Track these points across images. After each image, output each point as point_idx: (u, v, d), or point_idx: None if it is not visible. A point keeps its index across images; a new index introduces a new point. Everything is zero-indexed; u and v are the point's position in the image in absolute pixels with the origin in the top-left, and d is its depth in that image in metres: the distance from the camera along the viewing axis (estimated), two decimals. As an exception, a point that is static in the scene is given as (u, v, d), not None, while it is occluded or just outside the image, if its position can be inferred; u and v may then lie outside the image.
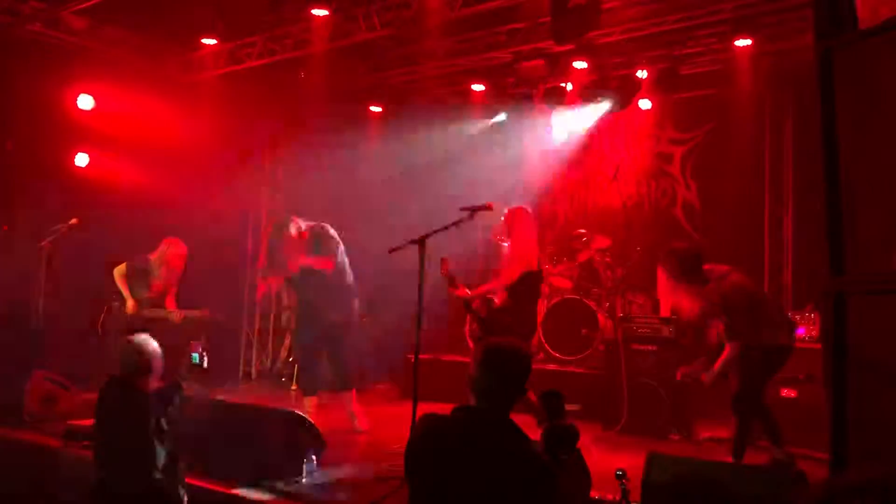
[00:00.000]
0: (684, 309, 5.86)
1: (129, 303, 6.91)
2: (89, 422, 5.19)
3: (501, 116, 9.94)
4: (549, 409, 3.00)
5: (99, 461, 4.04)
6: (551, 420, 3.00)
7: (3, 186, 7.48)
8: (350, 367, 6.70)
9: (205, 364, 4.35)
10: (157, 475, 3.87)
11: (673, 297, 5.84)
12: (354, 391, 6.66)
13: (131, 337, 4.15)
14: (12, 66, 7.43)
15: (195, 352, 4.28)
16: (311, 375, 6.69)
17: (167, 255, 7.01)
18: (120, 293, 6.94)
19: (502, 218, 6.17)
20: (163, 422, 3.95)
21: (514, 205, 6.23)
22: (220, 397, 6.28)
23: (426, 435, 2.90)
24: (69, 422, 5.72)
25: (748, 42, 7.40)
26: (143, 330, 6.66)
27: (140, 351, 4.07)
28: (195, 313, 7.01)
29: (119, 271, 6.98)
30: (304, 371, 6.86)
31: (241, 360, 9.98)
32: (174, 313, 6.99)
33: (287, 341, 9.61)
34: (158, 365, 4.12)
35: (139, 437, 3.87)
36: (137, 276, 7.00)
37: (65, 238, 7.03)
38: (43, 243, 6.88)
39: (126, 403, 3.97)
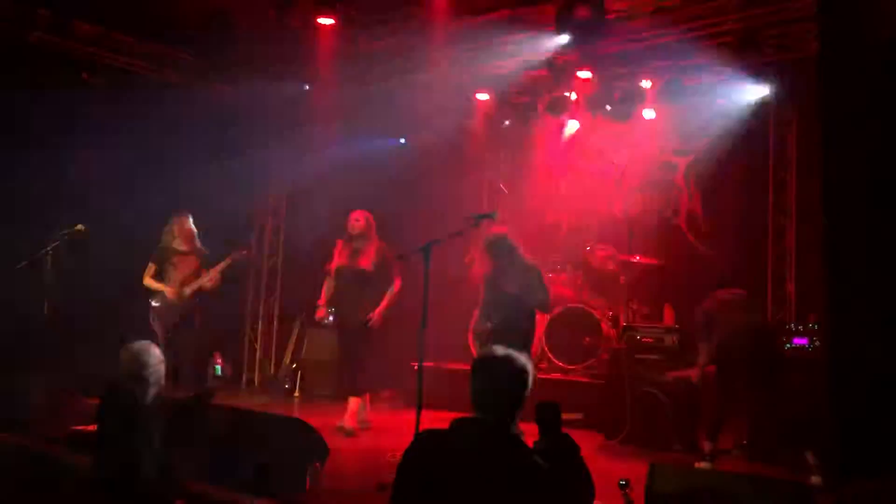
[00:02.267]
0: None
1: (168, 289, 7.01)
2: (93, 427, 5.21)
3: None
4: (544, 420, 2.97)
5: (97, 467, 4.05)
6: (546, 432, 2.97)
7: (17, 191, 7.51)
8: (364, 373, 6.88)
9: (228, 374, 4.38)
10: (151, 482, 3.87)
11: None
12: (359, 399, 6.81)
13: (131, 344, 4.15)
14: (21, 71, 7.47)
15: (217, 363, 4.30)
16: (347, 378, 6.97)
17: (178, 227, 7.16)
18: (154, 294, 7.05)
19: (493, 245, 6.20)
20: (158, 429, 3.95)
21: (493, 228, 6.29)
22: (223, 403, 6.27)
23: (423, 451, 2.87)
24: (73, 427, 5.73)
25: (751, 53, 7.42)
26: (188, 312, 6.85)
27: (140, 358, 4.07)
28: (223, 264, 7.17)
29: (146, 276, 7.10)
30: (345, 369, 7.05)
31: (245, 367, 10.00)
32: (206, 278, 7.11)
33: (291, 347, 9.62)
34: (161, 372, 4.12)
35: (135, 444, 3.87)
36: (162, 265, 7.11)
37: (70, 243, 7.05)
38: (48, 248, 6.90)
39: (124, 411, 3.98)
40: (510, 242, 6.19)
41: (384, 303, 6.85)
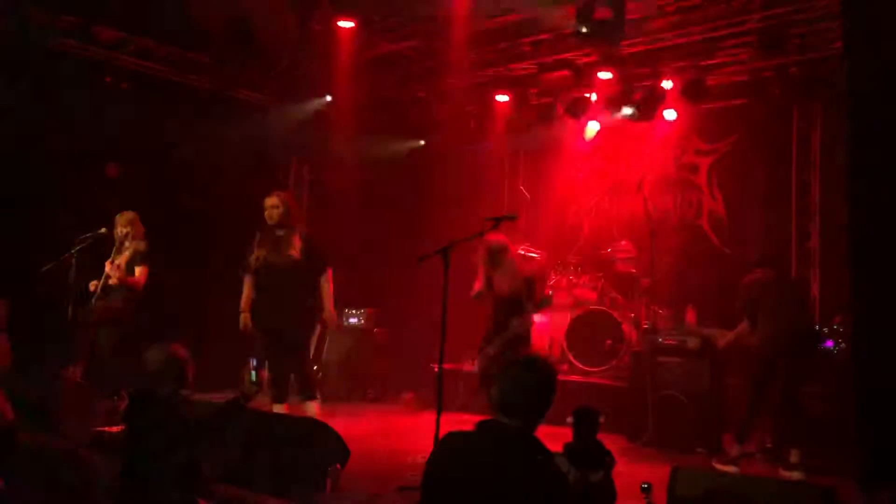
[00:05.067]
0: None
1: (92, 284, 6.88)
2: (118, 428, 5.25)
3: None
4: (582, 426, 2.95)
5: (125, 469, 4.08)
6: (584, 438, 2.94)
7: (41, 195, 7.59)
8: (312, 375, 6.54)
9: (261, 381, 4.36)
10: (176, 484, 3.89)
11: None
12: (317, 403, 6.39)
13: (161, 344, 4.17)
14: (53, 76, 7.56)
15: (253, 369, 4.31)
16: (283, 381, 6.42)
17: (125, 228, 6.92)
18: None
19: (488, 250, 6.07)
20: (185, 430, 3.97)
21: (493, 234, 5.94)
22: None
23: (448, 452, 2.88)
24: (98, 428, 5.78)
25: (775, 53, 7.36)
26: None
27: (168, 359, 4.10)
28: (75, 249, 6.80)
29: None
30: (277, 375, 6.46)
31: (265, 369, 10.02)
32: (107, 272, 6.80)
33: (312, 349, 9.62)
34: (190, 371, 4.15)
35: (160, 446, 3.89)
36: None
37: (93, 247, 7.12)
38: (72, 251, 6.96)
39: (152, 412, 4.00)
40: (503, 246, 6.12)
41: (329, 300, 6.26)
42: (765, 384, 6.01)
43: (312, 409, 6.26)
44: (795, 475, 5.58)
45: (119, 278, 6.78)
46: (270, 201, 6.21)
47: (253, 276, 6.30)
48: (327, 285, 6.30)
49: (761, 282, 6.16)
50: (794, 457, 5.72)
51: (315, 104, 9.29)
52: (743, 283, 6.23)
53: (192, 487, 3.96)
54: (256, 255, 6.27)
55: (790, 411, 5.92)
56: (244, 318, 6.29)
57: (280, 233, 6.20)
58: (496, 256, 6.05)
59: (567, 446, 2.87)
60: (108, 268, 6.96)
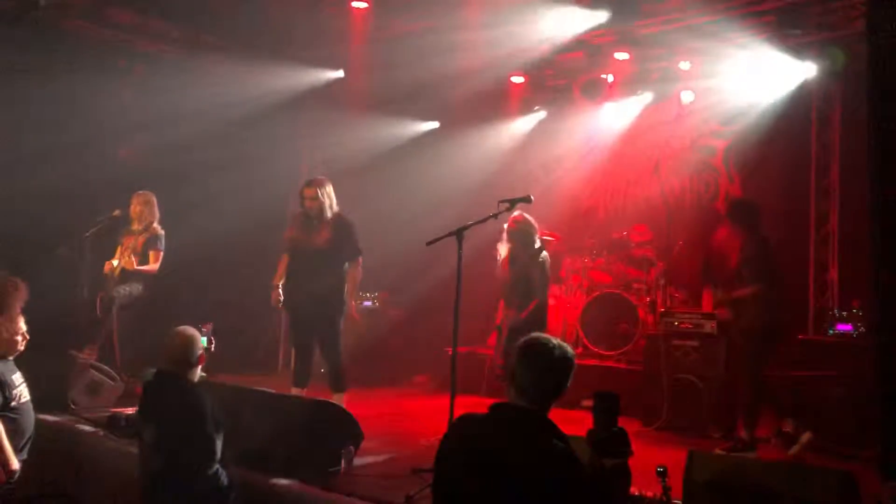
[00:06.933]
0: None
1: (107, 265, 6.97)
2: (132, 410, 5.28)
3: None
4: (602, 411, 2.90)
5: (148, 455, 4.07)
6: (604, 423, 2.90)
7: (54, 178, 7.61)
8: (343, 365, 6.26)
9: (212, 348, 4.34)
10: (216, 466, 3.90)
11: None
12: (345, 395, 6.18)
13: (178, 328, 4.18)
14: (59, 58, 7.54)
15: (204, 336, 4.26)
16: (304, 365, 6.29)
17: (131, 206, 7.08)
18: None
19: (518, 227, 6.16)
20: (217, 411, 3.98)
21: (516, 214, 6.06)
22: (258, 387, 6.31)
23: (461, 434, 2.87)
24: (112, 410, 5.82)
25: (793, 32, 7.24)
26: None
27: (187, 341, 4.10)
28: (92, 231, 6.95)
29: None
30: (299, 359, 6.36)
31: (280, 350, 10.06)
32: (118, 256, 6.96)
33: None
34: (202, 354, 4.16)
35: (196, 429, 3.89)
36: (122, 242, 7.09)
37: (107, 228, 7.14)
38: (86, 234, 6.99)
39: (178, 396, 4.01)
40: (525, 228, 6.13)
41: (350, 290, 6.16)
42: (764, 364, 5.96)
43: (341, 400, 6.07)
44: (795, 449, 5.61)
45: (132, 267, 6.89)
46: (309, 192, 6.10)
47: (287, 256, 6.27)
48: (354, 275, 6.18)
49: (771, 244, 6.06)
50: (792, 430, 5.80)
51: (328, 85, 9.23)
52: (770, 245, 6.04)
53: (213, 467, 3.97)
54: (288, 235, 6.25)
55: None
56: (273, 294, 6.22)
57: (313, 219, 6.13)
58: (516, 237, 6.09)
59: (590, 433, 2.82)
60: (119, 251, 7.01)
